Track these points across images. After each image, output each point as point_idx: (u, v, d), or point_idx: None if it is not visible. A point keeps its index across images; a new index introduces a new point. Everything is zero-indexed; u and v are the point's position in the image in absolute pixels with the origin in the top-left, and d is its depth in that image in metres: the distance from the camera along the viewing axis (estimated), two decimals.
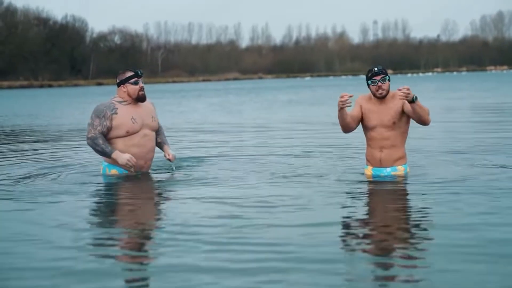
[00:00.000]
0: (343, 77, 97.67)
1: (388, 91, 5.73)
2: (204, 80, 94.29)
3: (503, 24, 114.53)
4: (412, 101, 5.42)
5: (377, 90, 5.68)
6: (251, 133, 11.86)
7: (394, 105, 5.68)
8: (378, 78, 5.67)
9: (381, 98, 5.72)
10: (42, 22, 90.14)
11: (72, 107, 26.38)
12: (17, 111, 23.97)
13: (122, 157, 6.02)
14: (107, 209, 5.08)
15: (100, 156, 6.30)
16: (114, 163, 6.16)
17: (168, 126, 13.24)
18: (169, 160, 6.46)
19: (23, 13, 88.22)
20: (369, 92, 5.85)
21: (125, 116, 6.09)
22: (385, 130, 5.72)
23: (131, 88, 6.16)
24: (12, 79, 77.56)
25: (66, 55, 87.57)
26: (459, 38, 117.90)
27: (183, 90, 50.52)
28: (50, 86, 77.95)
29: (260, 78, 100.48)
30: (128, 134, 6.10)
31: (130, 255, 3.73)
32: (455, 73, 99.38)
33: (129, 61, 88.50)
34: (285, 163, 7.16)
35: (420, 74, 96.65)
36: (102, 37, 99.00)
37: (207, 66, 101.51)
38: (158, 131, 6.51)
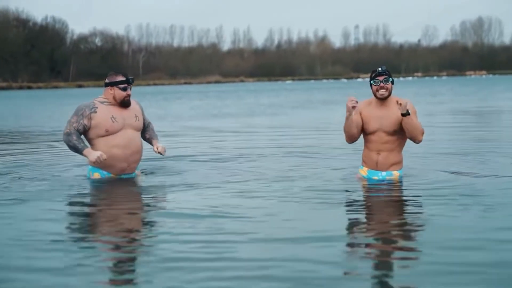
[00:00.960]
0: (325, 80, 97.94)
1: (390, 93, 5.70)
2: (185, 83, 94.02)
3: (483, 30, 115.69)
4: (403, 114, 5.46)
5: (378, 90, 5.66)
6: (233, 136, 11.81)
7: (397, 111, 5.63)
8: (381, 78, 5.66)
9: (382, 99, 5.68)
10: (21, 23, 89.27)
11: (53, 109, 26.13)
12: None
13: (93, 154, 5.89)
14: (82, 214, 4.98)
15: (76, 154, 6.23)
16: (98, 165, 6.06)
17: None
18: (159, 153, 6.34)
19: (2, 14, 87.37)
20: (369, 98, 5.85)
21: (104, 115, 6.00)
22: (385, 134, 5.70)
23: (118, 93, 6.08)
24: None
25: (46, 57, 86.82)
26: (439, 43, 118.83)
27: (163, 92, 50.38)
28: (29, 87, 77.22)
29: (242, 81, 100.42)
30: (108, 133, 5.98)
31: (108, 258, 3.66)
32: (435, 77, 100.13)
33: (110, 63, 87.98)
34: (272, 166, 7.13)
35: (401, 79, 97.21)
36: (83, 38, 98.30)
37: (189, 69, 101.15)
38: (147, 128, 6.43)
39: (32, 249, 3.85)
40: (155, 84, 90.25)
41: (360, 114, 5.75)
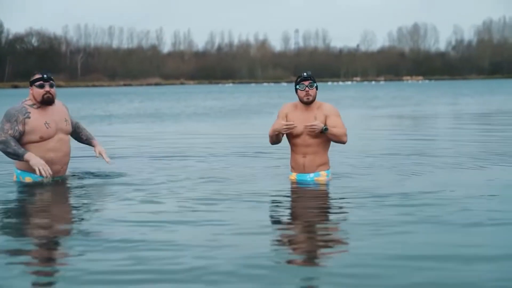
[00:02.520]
0: (265, 84, 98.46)
1: (314, 98, 5.87)
2: (125, 85, 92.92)
3: (419, 36, 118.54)
4: (323, 132, 5.68)
5: (305, 95, 5.81)
6: (171, 139, 11.76)
7: (318, 115, 5.82)
8: (306, 83, 5.83)
9: (308, 103, 5.85)
10: None
11: None
12: None
13: (36, 159, 5.77)
14: (21, 218, 4.89)
15: (13, 161, 6.07)
16: (27, 168, 5.94)
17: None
18: (101, 155, 6.33)
19: None
20: (294, 101, 6.01)
21: (38, 120, 5.89)
22: (309, 137, 5.83)
23: (36, 91, 5.97)
24: None
25: None
26: (377, 49, 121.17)
27: (103, 94, 49.68)
28: None
29: (182, 83, 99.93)
30: (42, 139, 5.89)
31: (41, 264, 3.62)
32: (373, 82, 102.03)
33: (48, 63, 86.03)
34: (207, 169, 7.15)
35: (340, 83, 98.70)
36: (19, 38, 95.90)
37: (128, 71, 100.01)
38: (78, 129, 6.38)
39: None
40: (94, 86, 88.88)
41: (286, 117, 5.90)
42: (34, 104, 5.98)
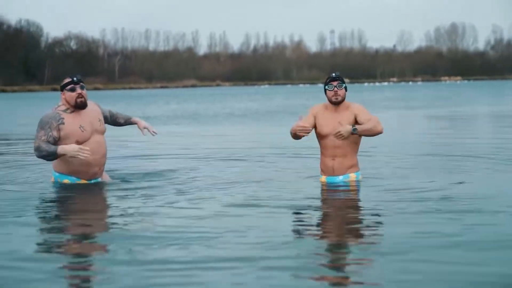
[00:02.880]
0: (301, 85, 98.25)
1: (343, 98, 5.86)
2: (161, 87, 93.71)
3: (457, 35, 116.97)
4: (353, 133, 5.68)
5: (333, 95, 5.80)
6: (208, 141, 11.80)
7: (347, 116, 5.83)
8: (335, 83, 5.85)
9: (336, 104, 5.85)
10: None
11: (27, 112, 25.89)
12: None
13: (70, 148, 5.71)
14: (58, 220, 4.93)
15: (51, 163, 6.11)
16: (65, 170, 5.99)
17: (127, 133, 13.09)
18: (148, 130, 6.37)
19: None
20: (324, 102, 6.01)
21: (72, 125, 5.90)
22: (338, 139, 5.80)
23: (68, 95, 5.96)
24: None
25: (20, 60, 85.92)
26: (414, 49, 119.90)
27: (140, 96, 50.16)
28: (3, 91, 76.36)
29: (218, 85, 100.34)
30: (78, 143, 5.88)
31: (81, 267, 3.64)
32: (410, 83, 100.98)
33: (86, 67, 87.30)
34: (242, 171, 7.15)
35: (377, 84, 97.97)
36: (58, 42, 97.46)
37: (165, 73, 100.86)
38: (113, 116, 6.40)
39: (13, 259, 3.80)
40: (131, 88, 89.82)
41: (315, 117, 5.92)
42: (67, 109, 5.99)
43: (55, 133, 5.84)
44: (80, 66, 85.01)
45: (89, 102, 6.11)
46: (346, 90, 5.88)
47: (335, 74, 5.90)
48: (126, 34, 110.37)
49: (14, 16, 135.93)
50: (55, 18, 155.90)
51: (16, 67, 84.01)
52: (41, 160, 6.22)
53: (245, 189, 5.93)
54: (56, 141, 5.87)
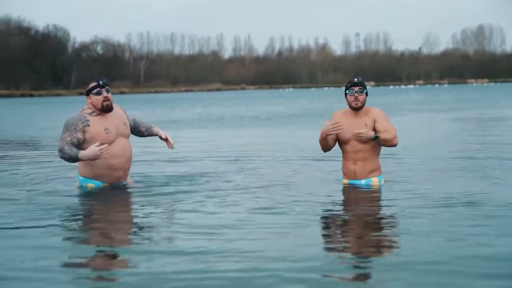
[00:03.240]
0: (326, 88, 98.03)
1: (363, 104, 5.88)
2: (186, 91, 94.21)
3: (484, 37, 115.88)
4: (373, 139, 5.68)
5: (354, 101, 5.81)
6: (233, 144, 11.80)
7: (368, 120, 5.82)
8: (356, 88, 5.84)
9: (356, 109, 5.86)
10: (23, 31, 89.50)
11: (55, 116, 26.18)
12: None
13: (89, 151, 5.72)
14: (82, 224, 4.94)
15: (76, 167, 6.14)
16: (89, 174, 6.03)
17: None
18: (167, 139, 6.32)
19: (4, 23, 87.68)
20: (344, 108, 6.03)
21: (98, 127, 5.94)
22: (358, 143, 5.85)
23: (94, 99, 6.00)
24: None
25: (47, 65, 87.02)
26: (441, 51, 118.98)
27: (165, 100, 50.44)
28: (31, 95, 77.39)
29: (243, 89, 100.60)
30: None
31: (108, 271, 3.65)
32: (436, 85, 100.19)
33: (112, 71, 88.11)
34: (263, 173, 7.13)
35: (402, 86, 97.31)
36: (84, 47, 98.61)
37: (190, 77, 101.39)
38: (136, 124, 6.41)
39: (37, 268, 3.82)
40: (156, 92, 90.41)
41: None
42: (93, 112, 6.03)
43: (79, 135, 5.88)
44: (106, 70, 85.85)
45: (114, 106, 6.14)
46: (366, 95, 5.88)
47: (357, 80, 5.88)
48: (152, 38, 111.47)
49: (41, 21, 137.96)
50: (81, 23, 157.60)
51: (43, 72, 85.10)
52: (66, 164, 6.25)
53: (270, 193, 5.91)
54: (81, 143, 5.90)
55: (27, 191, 6.19)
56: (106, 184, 6.09)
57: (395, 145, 5.78)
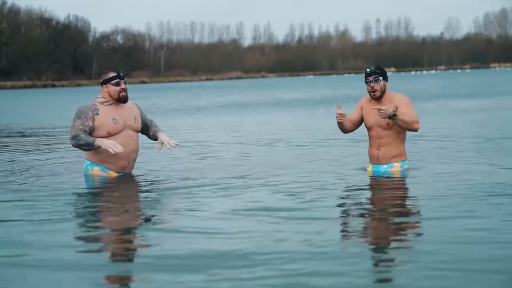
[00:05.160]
0: (346, 75, 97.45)
1: (382, 91, 5.85)
2: (206, 79, 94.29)
3: (507, 21, 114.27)
4: (391, 117, 5.61)
5: (371, 91, 5.85)
6: (255, 130, 11.83)
7: (390, 106, 5.77)
8: (370, 78, 5.84)
9: (376, 98, 5.86)
10: (45, 22, 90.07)
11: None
12: (19, 110, 23.99)
13: (106, 141, 5.92)
14: (88, 211, 4.96)
15: (83, 152, 6.25)
16: (96, 159, 6.15)
17: (169, 124, 13.21)
18: (164, 144, 6.37)
19: (26, 14, 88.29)
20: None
21: (106, 116, 6.08)
22: (381, 129, 5.88)
23: (112, 89, 6.15)
24: (16, 79, 77.59)
25: (69, 55, 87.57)
26: (463, 36, 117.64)
27: (186, 88, 50.52)
28: (53, 86, 77.97)
29: (263, 76, 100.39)
30: (110, 134, 6.06)
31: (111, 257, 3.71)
32: (458, 70, 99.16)
33: (132, 60, 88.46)
34: (288, 157, 7.19)
35: (424, 72, 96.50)
36: (105, 37, 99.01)
37: (210, 65, 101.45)
38: (150, 126, 6.50)
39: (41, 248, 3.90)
40: (176, 81, 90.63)
41: (361, 109, 6.01)
42: (105, 101, 6.17)
43: (90, 123, 6.04)
44: (126, 60, 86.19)
45: (130, 102, 6.29)
46: (387, 81, 5.85)
47: (370, 69, 5.85)
48: (172, 27, 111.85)
49: (62, 12, 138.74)
50: (102, 13, 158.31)
51: (65, 63, 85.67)
52: (72, 151, 6.32)
53: (296, 177, 6.00)
54: (91, 131, 6.07)
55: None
56: (111, 171, 6.17)
57: (416, 129, 5.75)
